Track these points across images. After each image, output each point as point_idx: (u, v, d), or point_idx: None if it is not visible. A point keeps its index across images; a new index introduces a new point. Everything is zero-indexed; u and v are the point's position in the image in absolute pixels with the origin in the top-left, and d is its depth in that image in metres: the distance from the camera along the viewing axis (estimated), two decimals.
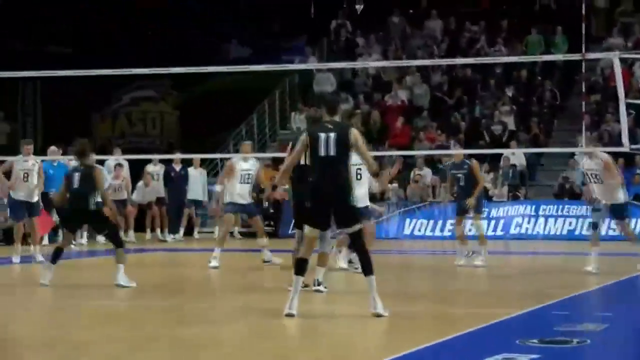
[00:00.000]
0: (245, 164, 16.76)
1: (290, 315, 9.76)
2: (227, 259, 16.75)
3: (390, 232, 24.37)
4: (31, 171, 17.56)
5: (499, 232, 23.40)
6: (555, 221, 23.53)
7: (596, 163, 14.88)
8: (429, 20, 31.99)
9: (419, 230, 24.44)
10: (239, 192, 16.52)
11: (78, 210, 13.10)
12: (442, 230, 24.10)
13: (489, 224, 23.28)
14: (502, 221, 23.65)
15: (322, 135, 9.87)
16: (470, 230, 18.38)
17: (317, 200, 9.94)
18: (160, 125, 34.67)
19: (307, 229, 10.01)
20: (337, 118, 10.15)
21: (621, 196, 14.97)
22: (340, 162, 9.89)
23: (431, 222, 24.33)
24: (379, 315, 9.75)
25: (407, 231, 24.48)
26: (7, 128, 32.10)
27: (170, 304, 11.74)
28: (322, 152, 9.86)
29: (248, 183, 16.63)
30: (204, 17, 35.42)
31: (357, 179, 12.81)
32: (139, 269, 15.14)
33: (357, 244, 10.12)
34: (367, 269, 9.85)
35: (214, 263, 16.08)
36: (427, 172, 25.80)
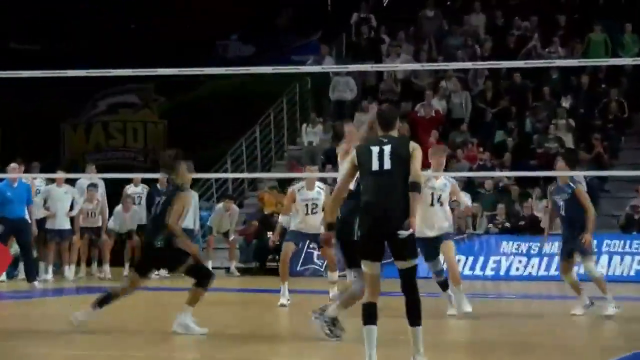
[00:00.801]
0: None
1: None
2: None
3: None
4: None
5: (552, 272, 23.29)
6: (622, 259, 23.50)
7: None
8: (470, 14, 32.06)
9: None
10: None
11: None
12: (483, 269, 24.13)
13: (541, 262, 23.37)
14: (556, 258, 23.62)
15: (375, 149, 9.86)
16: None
17: (369, 225, 9.82)
18: (143, 138, 34.73)
19: (365, 265, 9.81)
20: (394, 134, 10.02)
21: None
22: (398, 177, 9.82)
23: (470, 258, 24.32)
24: None
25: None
26: None
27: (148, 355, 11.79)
28: (375, 167, 9.83)
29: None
30: (196, 9, 35.61)
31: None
32: (117, 311, 15.16)
33: (408, 284, 9.79)
34: (415, 318, 9.72)
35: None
36: (465, 197, 25.77)
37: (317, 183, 17.64)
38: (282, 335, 14.11)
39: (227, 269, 25.46)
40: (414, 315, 9.69)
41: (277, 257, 25.76)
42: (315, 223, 16.89)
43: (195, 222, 25.12)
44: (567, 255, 15.58)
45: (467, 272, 23.98)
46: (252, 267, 26.14)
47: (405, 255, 9.68)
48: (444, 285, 14.93)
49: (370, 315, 9.66)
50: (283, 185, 27.43)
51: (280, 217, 18.53)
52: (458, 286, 14.92)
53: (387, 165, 9.70)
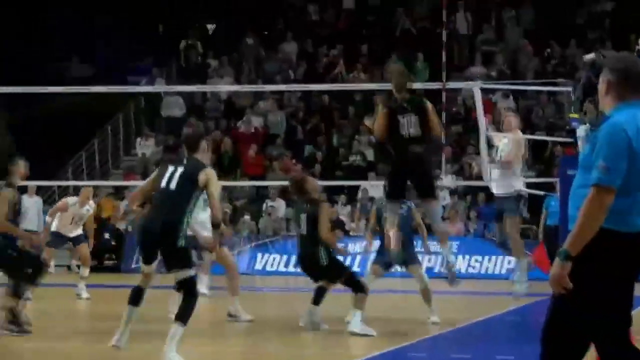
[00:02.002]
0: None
1: None
2: None
3: (241, 266, 24.31)
4: None
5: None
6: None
7: None
8: (285, 43, 32.18)
9: (271, 266, 24.48)
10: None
11: None
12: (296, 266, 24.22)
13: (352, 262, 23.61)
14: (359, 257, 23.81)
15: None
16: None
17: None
18: None
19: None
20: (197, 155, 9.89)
21: None
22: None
23: (284, 256, 24.38)
24: None
25: (258, 266, 24.49)
26: None
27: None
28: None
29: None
30: (43, 31, 34.90)
31: None
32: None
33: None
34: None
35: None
36: (281, 204, 25.91)
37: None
38: None
39: (68, 267, 25.02)
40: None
41: (113, 255, 25.64)
42: None
43: (39, 225, 24.60)
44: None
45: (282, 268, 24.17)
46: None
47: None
48: None
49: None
50: (120, 192, 27.14)
51: None
52: None
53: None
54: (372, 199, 25.49)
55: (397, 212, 12.34)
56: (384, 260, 13.57)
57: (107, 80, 29.27)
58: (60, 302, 16.76)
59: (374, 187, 25.51)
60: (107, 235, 25.57)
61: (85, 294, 17.27)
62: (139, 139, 30.01)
